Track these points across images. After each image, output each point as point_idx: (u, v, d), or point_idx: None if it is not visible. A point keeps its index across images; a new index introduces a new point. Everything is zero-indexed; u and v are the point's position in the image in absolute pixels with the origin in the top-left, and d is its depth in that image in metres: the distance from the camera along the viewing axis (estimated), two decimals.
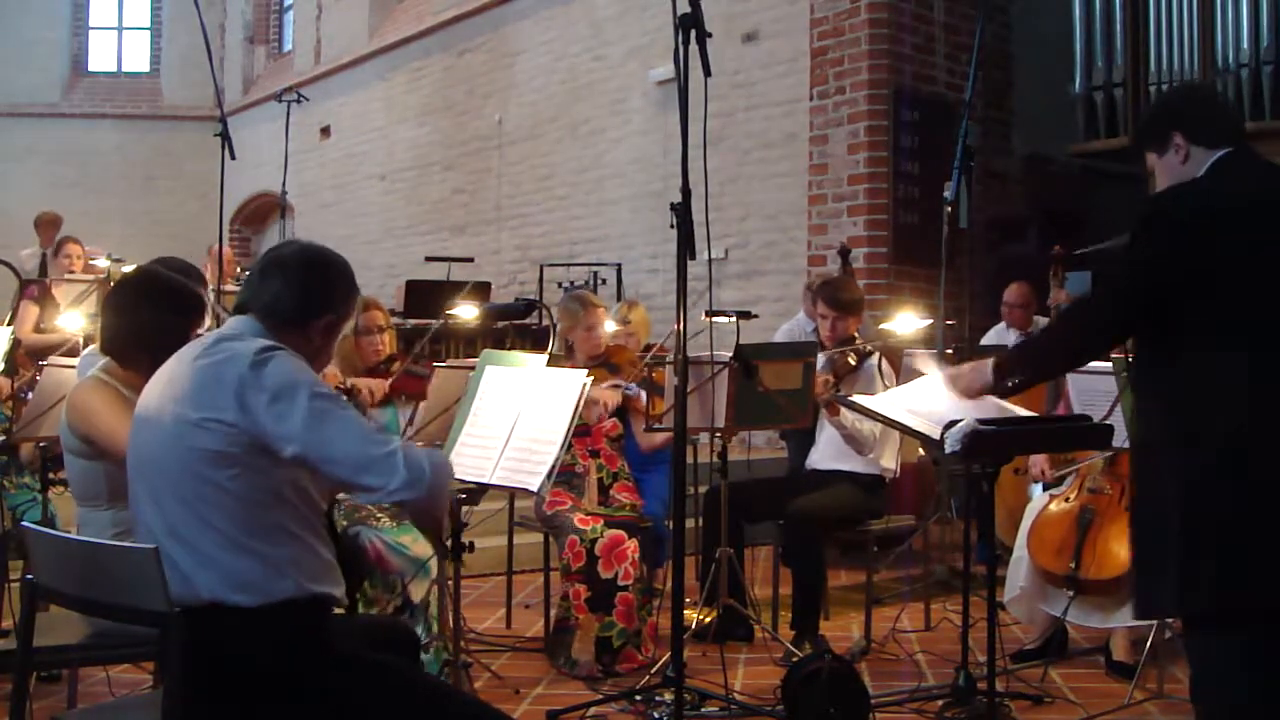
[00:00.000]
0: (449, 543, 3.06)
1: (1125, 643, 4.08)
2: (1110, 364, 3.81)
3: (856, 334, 4.82)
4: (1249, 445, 2.40)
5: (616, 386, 4.55)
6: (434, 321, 8.45)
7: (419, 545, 3.84)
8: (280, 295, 2.30)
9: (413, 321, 8.66)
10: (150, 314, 2.97)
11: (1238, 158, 2.62)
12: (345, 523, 3.90)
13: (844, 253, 6.74)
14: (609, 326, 4.79)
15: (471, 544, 3.48)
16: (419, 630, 3.66)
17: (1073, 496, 4.25)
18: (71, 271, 6.85)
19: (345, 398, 4.07)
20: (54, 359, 4.14)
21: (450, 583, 3.54)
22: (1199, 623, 2.49)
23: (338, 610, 2.37)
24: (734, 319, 4.46)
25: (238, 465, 2.12)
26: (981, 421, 3.14)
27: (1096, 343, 2.75)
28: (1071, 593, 4.00)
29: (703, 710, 3.66)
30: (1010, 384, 2.88)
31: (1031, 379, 2.99)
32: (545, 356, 3.65)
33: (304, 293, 2.31)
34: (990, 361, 2.92)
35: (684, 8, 3.09)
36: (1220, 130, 2.66)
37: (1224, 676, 2.43)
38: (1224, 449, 2.40)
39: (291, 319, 2.31)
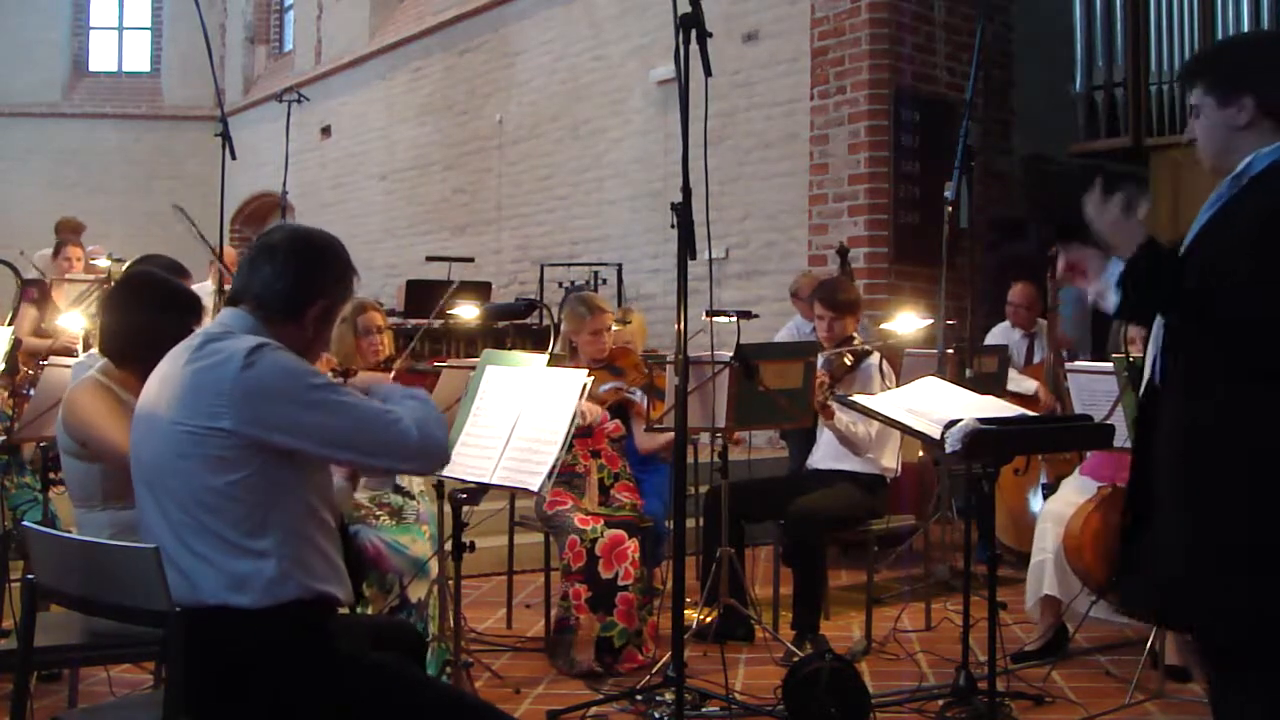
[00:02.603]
0: (449, 543, 3.05)
1: (1175, 645, 3.89)
2: (1110, 364, 3.81)
3: (855, 334, 4.82)
4: None
5: (617, 390, 4.54)
6: (433, 321, 8.49)
7: (418, 545, 3.84)
8: (271, 283, 2.26)
9: (413, 321, 8.67)
10: (148, 315, 2.96)
11: None
12: (345, 521, 3.91)
13: (842, 253, 6.74)
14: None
15: (472, 544, 3.49)
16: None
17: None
18: (69, 273, 6.84)
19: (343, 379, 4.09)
20: (55, 359, 4.14)
21: (450, 583, 3.54)
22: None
23: (342, 610, 2.37)
24: (734, 319, 4.46)
25: (235, 469, 2.10)
26: (982, 421, 3.14)
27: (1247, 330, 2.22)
28: (1094, 598, 3.98)
29: (703, 710, 3.65)
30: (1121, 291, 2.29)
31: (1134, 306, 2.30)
32: (546, 356, 3.65)
33: (295, 280, 2.27)
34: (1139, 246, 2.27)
35: (684, 8, 3.10)
36: None
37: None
38: None
39: (283, 309, 2.27)
